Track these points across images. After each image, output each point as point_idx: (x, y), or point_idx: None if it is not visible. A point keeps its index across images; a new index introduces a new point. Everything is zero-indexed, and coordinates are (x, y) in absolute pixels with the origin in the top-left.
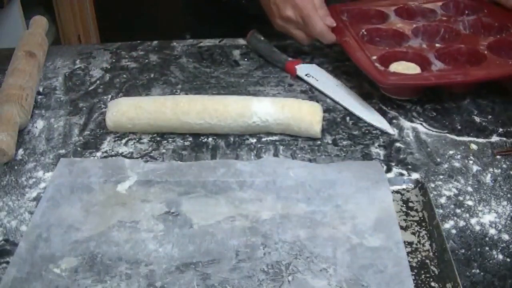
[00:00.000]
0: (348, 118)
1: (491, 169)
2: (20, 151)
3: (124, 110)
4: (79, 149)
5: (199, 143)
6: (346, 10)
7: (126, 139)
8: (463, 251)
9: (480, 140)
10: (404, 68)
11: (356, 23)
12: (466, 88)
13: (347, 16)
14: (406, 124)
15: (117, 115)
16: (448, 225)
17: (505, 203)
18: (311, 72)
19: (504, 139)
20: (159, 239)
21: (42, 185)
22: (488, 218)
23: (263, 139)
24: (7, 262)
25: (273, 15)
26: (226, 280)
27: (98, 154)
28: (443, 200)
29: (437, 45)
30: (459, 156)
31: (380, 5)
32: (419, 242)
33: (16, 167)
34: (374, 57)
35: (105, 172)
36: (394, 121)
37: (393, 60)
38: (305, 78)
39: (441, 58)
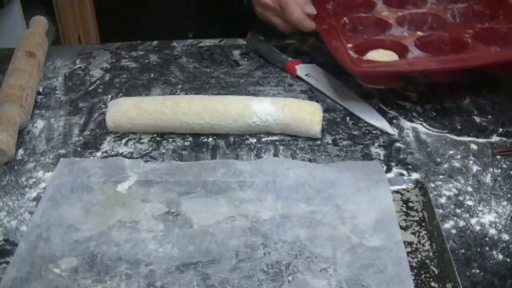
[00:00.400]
0: (348, 118)
1: (491, 169)
2: (20, 151)
3: (124, 110)
4: (79, 149)
5: (199, 143)
6: None
7: (126, 139)
8: (463, 251)
9: (480, 140)
10: (381, 56)
11: (341, 11)
12: (446, 77)
13: (333, 5)
14: (406, 124)
15: (117, 115)
16: (448, 225)
17: (505, 203)
18: (311, 72)
19: (504, 139)
20: (159, 239)
21: (42, 185)
22: (488, 218)
23: (263, 139)
24: (7, 262)
25: (254, 2)
26: (226, 280)
27: (98, 154)
28: (443, 200)
29: (419, 33)
30: (459, 156)
31: None
32: (419, 242)
33: (16, 167)
34: (350, 45)
35: (105, 172)
36: (394, 121)
37: (371, 48)
38: (305, 78)
39: (422, 47)
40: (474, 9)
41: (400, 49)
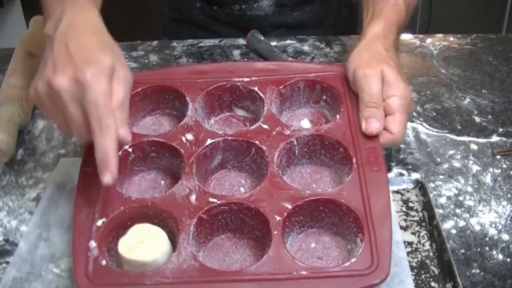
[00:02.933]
0: None
1: (491, 169)
2: (20, 151)
3: None
4: (79, 149)
5: None
6: None
7: None
8: (463, 251)
9: (480, 140)
10: None
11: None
12: None
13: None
14: None
15: None
16: (448, 225)
17: (505, 203)
18: None
19: (504, 139)
20: None
21: (42, 185)
22: (488, 218)
23: None
24: (7, 262)
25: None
26: None
27: None
28: (443, 200)
29: None
30: (459, 156)
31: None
32: (419, 242)
33: (16, 167)
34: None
35: None
36: None
37: None
38: None
39: None
40: None
41: None
